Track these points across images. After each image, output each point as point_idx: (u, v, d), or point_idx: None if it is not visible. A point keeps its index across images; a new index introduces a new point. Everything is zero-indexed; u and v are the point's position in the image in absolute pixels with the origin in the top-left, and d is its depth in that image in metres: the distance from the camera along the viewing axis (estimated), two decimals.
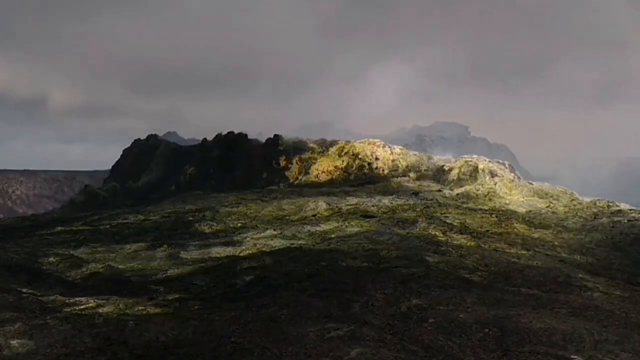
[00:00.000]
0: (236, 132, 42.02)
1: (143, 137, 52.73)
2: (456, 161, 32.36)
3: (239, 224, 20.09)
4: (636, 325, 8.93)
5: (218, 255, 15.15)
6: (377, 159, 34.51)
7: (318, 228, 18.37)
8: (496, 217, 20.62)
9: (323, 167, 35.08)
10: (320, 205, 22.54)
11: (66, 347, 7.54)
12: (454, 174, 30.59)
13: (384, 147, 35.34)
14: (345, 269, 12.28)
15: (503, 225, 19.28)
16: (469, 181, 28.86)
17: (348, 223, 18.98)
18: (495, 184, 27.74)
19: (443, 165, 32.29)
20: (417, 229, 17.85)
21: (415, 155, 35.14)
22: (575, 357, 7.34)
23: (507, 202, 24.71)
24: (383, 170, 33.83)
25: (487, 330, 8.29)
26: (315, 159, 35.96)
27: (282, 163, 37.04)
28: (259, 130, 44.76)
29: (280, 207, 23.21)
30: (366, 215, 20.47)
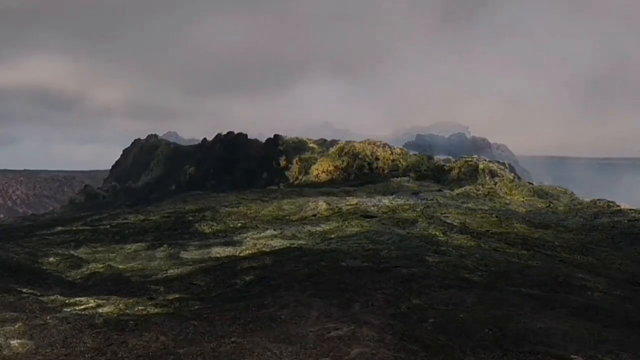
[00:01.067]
0: (236, 132, 42.06)
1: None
2: (456, 161, 32.41)
3: (239, 224, 20.08)
4: (636, 325, 8.93)
5: (218, 255, 15.15)
6: (377, 159, 34.52)
7: (318, 228, 18.36)
8: (496, 217, 20.62)
9: (323, 167, 35.07)
10: (320, 205, 22.53)
11: (66, 347, 7.54)
12: (454, 174, 30.63)
13: (384, 147, 35.37)
14: (345, 269, 12.28)
15: (503, 225, 19.27)
16: (469, 181, 28.88)
17: (348, 223, 18.98)
18: (495, 184, 27.76)
19: (443, 165, 32.33)
20: (417, 229, 17.84)
21: (415, 155, 35.21)
22: (575, 357, 7.34)
23: (507, 202, 24.72)
24: (383, 170, 33.83)
25: (487, 330, 8.29)
26: (315, 159, 35.95)
27: (282, 163, 37.04)
28: (259, 130, 44.78)
29: (280, 207, 23.20)
30: (366, 215, 20.47)
